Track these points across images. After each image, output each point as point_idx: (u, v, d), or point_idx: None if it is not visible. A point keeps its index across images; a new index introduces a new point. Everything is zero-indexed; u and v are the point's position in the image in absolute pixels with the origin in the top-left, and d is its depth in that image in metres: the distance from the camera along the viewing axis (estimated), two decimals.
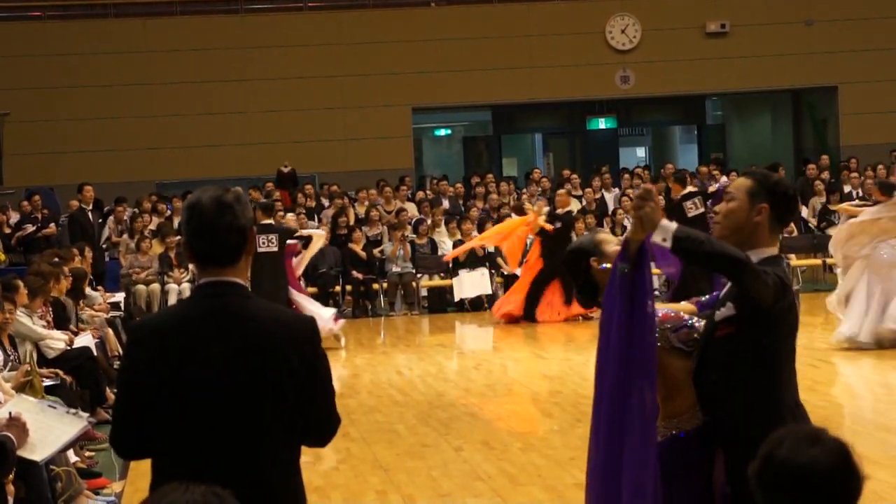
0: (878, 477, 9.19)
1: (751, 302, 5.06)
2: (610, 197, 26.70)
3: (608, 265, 5.54)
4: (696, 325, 5.44)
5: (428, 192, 27.49)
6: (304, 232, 19.49)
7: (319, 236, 19.71)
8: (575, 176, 27.62)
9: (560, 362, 16.84)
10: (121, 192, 26.34)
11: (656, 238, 5.00)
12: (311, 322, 4.33)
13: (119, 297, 19.54)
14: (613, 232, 24.78)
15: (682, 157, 34.02)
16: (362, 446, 11.67)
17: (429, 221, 24.83)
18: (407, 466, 10.84)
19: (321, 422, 4.30)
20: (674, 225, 5.00)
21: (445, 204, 26.34)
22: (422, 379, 15.92)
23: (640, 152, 36.65)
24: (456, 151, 35.67)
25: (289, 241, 18.62)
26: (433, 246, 24.32)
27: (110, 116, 28.64)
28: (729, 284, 5.25)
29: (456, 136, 36.33)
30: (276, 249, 18.47)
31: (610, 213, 25.50)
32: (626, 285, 5.11)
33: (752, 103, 33.86)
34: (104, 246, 23.82)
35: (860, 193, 25.18)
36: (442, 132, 36.75)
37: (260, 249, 18.47)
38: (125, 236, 24.20)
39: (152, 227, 24.34)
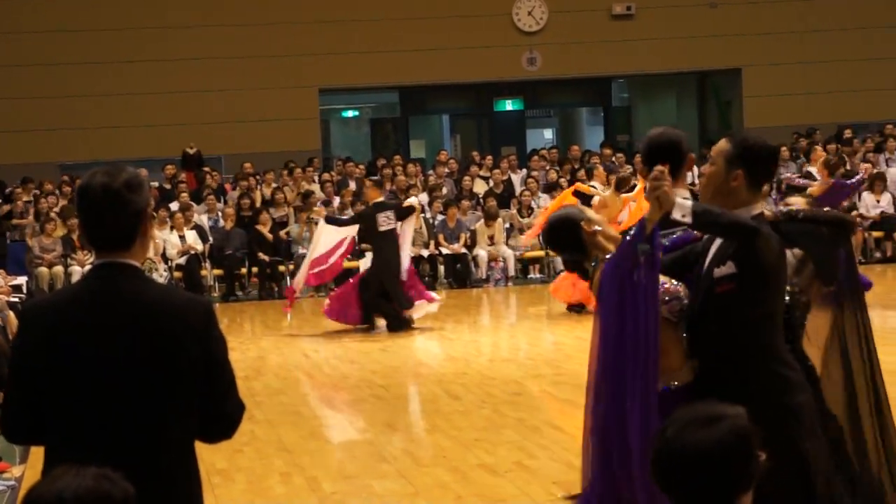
0: None
1: (754, 262, 5.32)
2: (517, 178, 26.80)
3: (598, 227, 5.79)
4: (685, 300, 5.61)
5: (334, 173, 27.42)
6: (407, 202, 19.00)
7: (416, 207, 19.17)
8: (490, 158, 27.72)
9: (466, 344, 16.90)
10: (22, 173, 26.02)
11: (676, 215, 5.22)
12: (206, 304, 4.29)
13: (21, 279, 19.30)
14: (520, 213, 24.90)
15: (589, 139, 34.21)
16: (267, 428, 11.63)
17: (336, 203, 24.77)
18: (311, 448, 10.82)
19: (221, 407, 4.24)
20: (689, 201, 5.27)
21: (352, 185, 26.29)
22: (328, 361, 15.89)
23: (548, 134, 36.79)
24: (364, 133, 35.58)
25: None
26: None
27: (10, 97, 28.23)
28: (721, 241, 5.46)
29: (363, 117, 36.23)
30: (395, 226, 18.22)
31: (517, 194, 25.62)
32: (650, 266, 5.32)
33: (657, 85, 34.10)
34: (6, 228, 23.53)
35: None
36: (349, 113, 36.63)
37: (381, 228, 18.10)
38: (30, 218, 23.93)
39: (56, 209, 24.07)
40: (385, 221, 18.11)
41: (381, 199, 18.86)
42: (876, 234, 24.72)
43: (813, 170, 23.13)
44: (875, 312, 16.57)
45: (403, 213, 18.47)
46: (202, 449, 4.30)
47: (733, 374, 5.35)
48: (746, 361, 5.36)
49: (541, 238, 20.26)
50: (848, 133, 28.36)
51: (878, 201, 24.87)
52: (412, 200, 19.58)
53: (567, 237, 5.85)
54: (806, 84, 30.16)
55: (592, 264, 5.75)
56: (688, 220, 5.24)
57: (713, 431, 3.30)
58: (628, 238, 5.43)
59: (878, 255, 24.67)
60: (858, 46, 30.04)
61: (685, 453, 3.29)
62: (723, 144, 5.58)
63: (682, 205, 5.23)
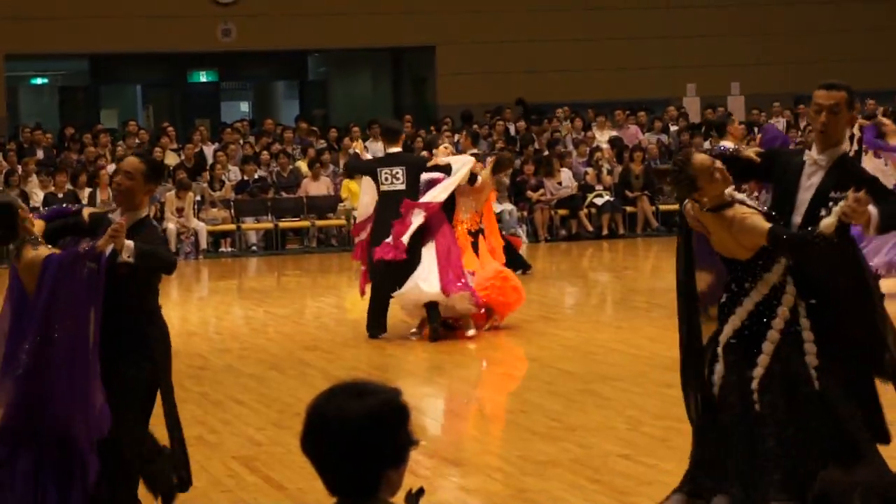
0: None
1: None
2: (209, 151, 26.47)
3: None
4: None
5: (21, 141, 26.57)
6: (442, 160, 14.44)
7: (466, 162, 14.45)
8: (171, 129, 27.27)
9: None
10: None
11: (124, 256, 6.67)
12: None
13: None
14: (211, 186, 24.63)
15: (285, 113, 34.07)
16: None
17: (20, 172, 24.05)
18: None
19: None
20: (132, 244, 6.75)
21: (39, 154, 25.56)
22: None
23: (244, 107, 36.47)
24: (53, 101, 34.63)
25: (428, 176, 14.23)
26: (24, 197, 23.56)
27: None
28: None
29: (53, 85, 35.26)
30: (402, 187, 14.19)
31: (208, 167, 25.32)
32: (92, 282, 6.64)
33: (353, 61, 34.18)
34: None
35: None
36: (38, 81, 35.58)
37: (382, 188, 14.30)
38: None
39: None
40: (387, 178, 14.38)
41: (395, 149, 14.73)
42: (562, 212, 25.35)
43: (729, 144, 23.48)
44: (555, 288, 17.01)
45: (419, 170, 14.53)
46: None
47: None
48: None
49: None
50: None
51: (560, 183, 25.43)
52: (453, 158, 14.94)
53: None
54: (498, 63, 30.63)
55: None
56: (131, 260, 6.72)
57: (363, 402, 3.29)
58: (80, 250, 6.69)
59: (563, 232, 25.29)
60: (550, 26, 30.67)
61: (331, 422, 3.28)
62: (137, 163, 6.94)
63: (130, 247, 6.69)
